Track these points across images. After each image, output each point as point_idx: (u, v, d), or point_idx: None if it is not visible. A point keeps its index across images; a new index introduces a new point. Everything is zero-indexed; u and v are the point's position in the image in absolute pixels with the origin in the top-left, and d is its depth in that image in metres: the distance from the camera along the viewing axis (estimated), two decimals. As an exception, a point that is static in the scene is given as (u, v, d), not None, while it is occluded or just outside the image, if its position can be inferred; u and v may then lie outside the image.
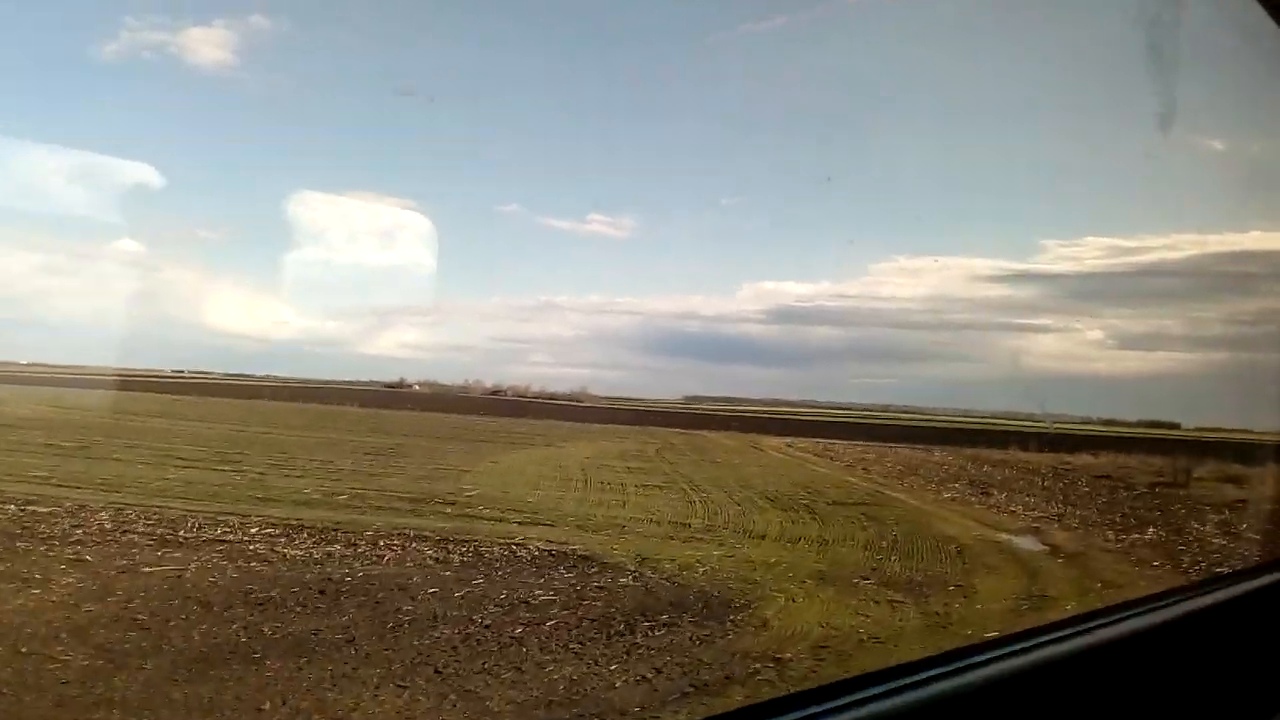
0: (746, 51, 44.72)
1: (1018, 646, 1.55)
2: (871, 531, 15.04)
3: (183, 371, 54.83)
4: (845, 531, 14.64)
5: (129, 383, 37.62)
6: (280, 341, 44.72)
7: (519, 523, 12.94)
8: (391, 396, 50.29)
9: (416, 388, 68.50)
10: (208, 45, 49.04)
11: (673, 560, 11.01)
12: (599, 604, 8.97)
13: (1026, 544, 15.46)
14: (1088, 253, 50.08)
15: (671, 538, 12.70)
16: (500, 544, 11.24)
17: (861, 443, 37.18)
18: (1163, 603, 2.09)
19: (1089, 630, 1.74)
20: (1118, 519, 18.38)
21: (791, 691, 1.31)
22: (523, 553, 10.85)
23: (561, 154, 48.55)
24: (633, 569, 10.34)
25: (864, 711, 1.21)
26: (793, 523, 15.36)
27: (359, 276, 40.10)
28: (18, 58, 30.05)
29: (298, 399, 42.22)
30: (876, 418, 52.41)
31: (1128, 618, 1.89)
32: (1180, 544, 15.71)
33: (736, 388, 70.54)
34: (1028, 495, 21.55)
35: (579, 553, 10.90)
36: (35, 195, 29.04)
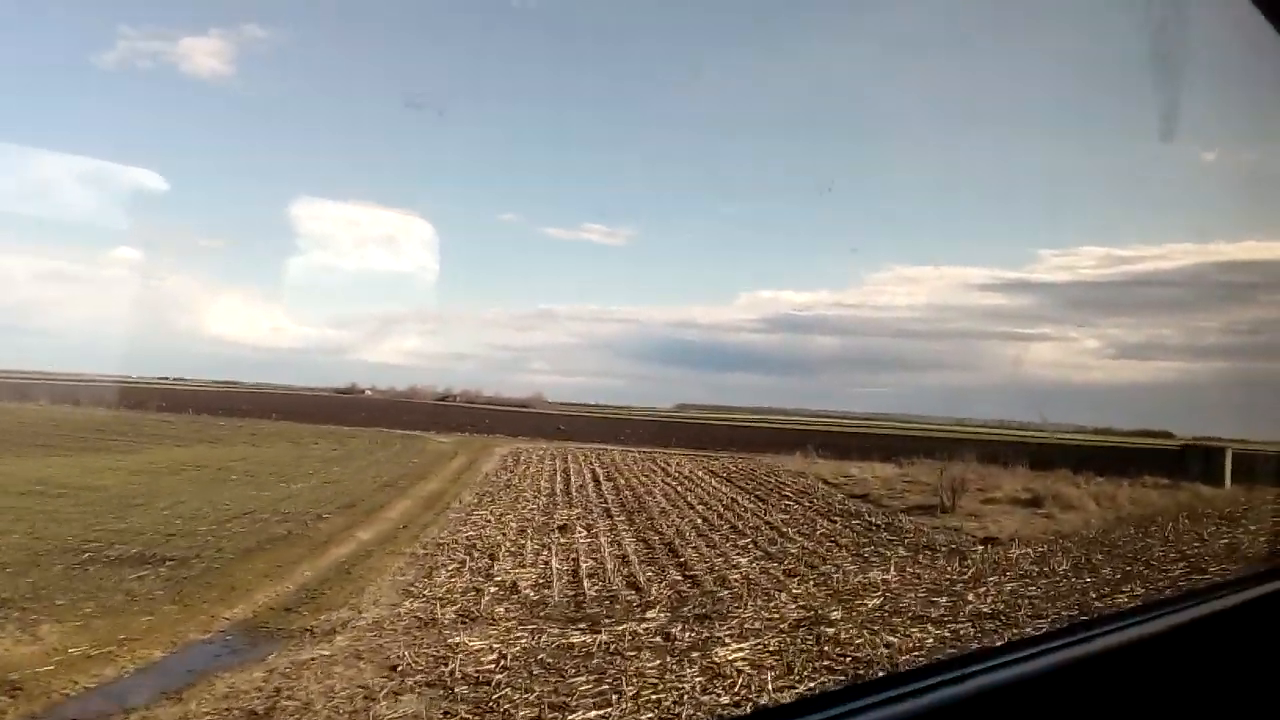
0: (745, 63, 40.15)
1: (1022, 654, 1.52)
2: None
3: (166, 378, 55.15)
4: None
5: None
6: (279, 349, 42.87)
7: None
8: (294, 401, 47.87)
9: (368, 393, 66.92)
10: (205, 55, 48.30)
11: None
12: None
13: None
14: (1083, 262, 44.82)
15: None
16: None
17: (691, 452, 30.90)
18: (1170, 609, 2.04)
19: (1092, 638, 1.70)
20: (702, 579, 11.63)
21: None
22: None
23: (560, 163, 45.32)
24: None
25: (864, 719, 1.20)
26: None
27: (358, 285, 37.85)
28: (18, 67, 29.05)
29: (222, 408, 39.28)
30: (822, 425, 45.58)
31: (1135, 624, 1.86)
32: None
33: (733, 396, 65.32)
34: (671, 524, 14.75)
35: None
36: (36, 205, 27.82)
